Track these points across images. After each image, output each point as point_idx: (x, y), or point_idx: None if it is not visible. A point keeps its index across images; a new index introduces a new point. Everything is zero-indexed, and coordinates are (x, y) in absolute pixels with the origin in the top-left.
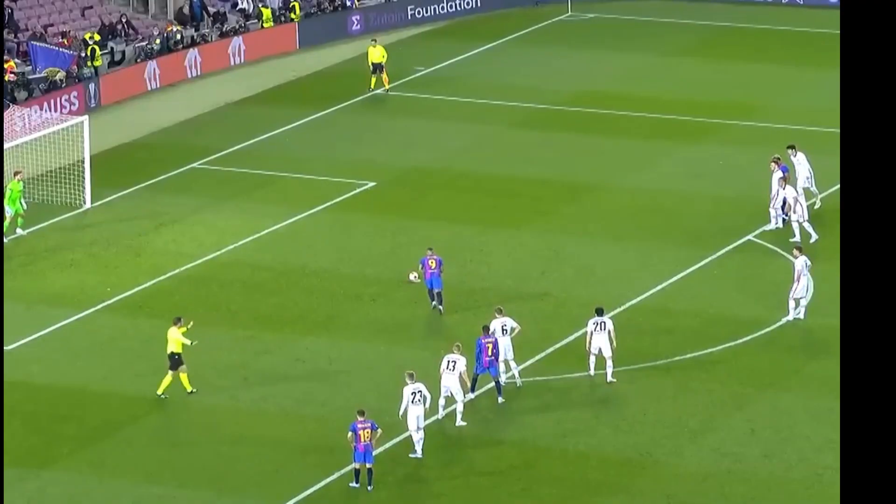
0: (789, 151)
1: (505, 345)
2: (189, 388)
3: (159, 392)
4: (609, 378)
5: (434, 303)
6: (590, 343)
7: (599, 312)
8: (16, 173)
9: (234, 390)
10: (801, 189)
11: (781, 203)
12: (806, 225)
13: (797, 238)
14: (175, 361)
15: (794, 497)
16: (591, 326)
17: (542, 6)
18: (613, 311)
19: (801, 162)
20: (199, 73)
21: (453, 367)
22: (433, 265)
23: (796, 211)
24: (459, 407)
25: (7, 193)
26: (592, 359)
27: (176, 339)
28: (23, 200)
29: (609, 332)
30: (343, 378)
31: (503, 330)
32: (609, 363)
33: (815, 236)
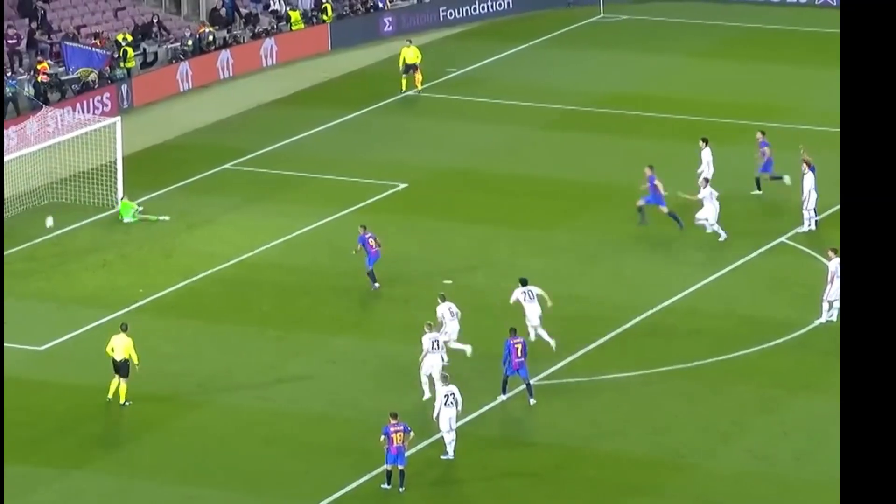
0: (701, 144)
1: (453, 329)
2: (123, 400)
3: (122, 401)
4: (546, 338)
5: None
6: (526, 315)
7: (524, 283)
8: (121, 199)
9: (266, 391)
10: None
11: (813, 205)
12: (716, 227)
13: (714, 229)
14: (125, 369)
15: (827, 500)
16: (520, 295)
17: (574, 8)
18: (645, 312)
19: (707, 157)
20: (231, 75)
21: (437, 346)
22: (374, 244)
23: (706, 211)
24: (439, 386)
25: (122, 209)
26: (532, 331)
27: (125, 346)
28: (135, 213)
29: (539, 295)
30: (374, 379)
31: (451, 313)
32: (540, 328)
33: (723, 236)
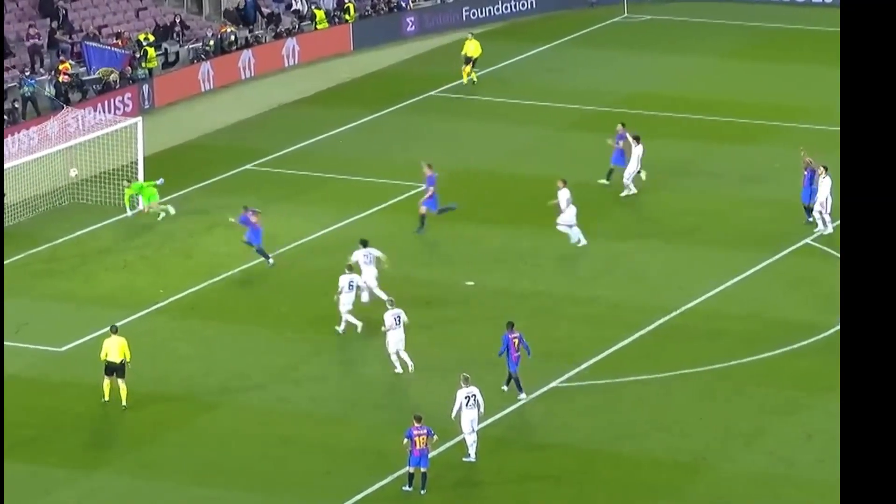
0: (632, 142)
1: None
2: (106, 398)
3: (124, 403)
4: (381, 295)
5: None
6: (363, 276)
7: (364, 244)
8: (128, 181)
9: (284, 392)
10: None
11: (829, 207)
12: (576, 231)
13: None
14: (123, 370)
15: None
16: (360, 257)
17: (597, 8)
18: (668, 314)
19: (636, 155)
20: (252, 75)
21: (398, 320)
22: (255, 219)
23: (566, 216)
24: (407, 360)
25: (141, 193)
26: (366, 293)
27: (120, 346)
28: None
29: (377, 258)
30: (394, 381)
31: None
32: (376, 288)
33: (583, 241)
